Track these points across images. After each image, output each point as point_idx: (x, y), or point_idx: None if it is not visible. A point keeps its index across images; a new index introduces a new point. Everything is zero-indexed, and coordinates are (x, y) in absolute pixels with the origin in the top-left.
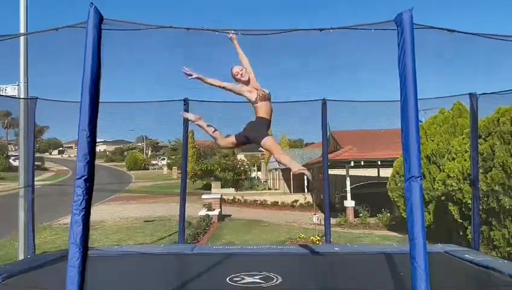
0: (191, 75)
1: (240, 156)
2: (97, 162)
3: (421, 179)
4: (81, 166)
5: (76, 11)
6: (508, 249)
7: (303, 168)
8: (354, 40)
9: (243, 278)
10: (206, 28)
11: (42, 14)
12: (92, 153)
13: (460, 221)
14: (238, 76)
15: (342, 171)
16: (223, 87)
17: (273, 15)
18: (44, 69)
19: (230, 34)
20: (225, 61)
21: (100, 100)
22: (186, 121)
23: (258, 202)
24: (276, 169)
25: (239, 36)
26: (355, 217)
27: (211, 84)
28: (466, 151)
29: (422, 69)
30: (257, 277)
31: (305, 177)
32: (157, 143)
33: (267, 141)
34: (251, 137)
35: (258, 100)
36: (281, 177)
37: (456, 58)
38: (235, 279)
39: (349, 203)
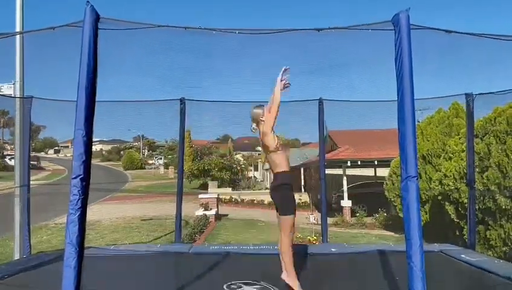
0: (286, 82)
1: (237, 156)
2: (93, 161)
3: (417, 178)
4: (77, 165)
5: (73, 9)
6: (504, 248)
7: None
8: (352, 40)
9: (240, 286)
10: (204, 27)
11: (39, 12)
12: (88, 152)
13: (457, 221)
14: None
15: (338, 171)
16: (275, 102)
17: (272, 14)
18: (40, 68)
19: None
20: (223, 60)
21: (96, 99)
22: (183, 121)
23: (255, 201)
24: None
25: (236, 35)
26: (352, 217)
27: (276, 91)
28: (463, 151)
29: (419, 69)
30: (253, 283)
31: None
32: (154, 142)
33: (285, 221)
34: (279, 207)
35: (279, 147)
36: None
37: (453, 59)
38: (231, 284)
39: (346, 202)
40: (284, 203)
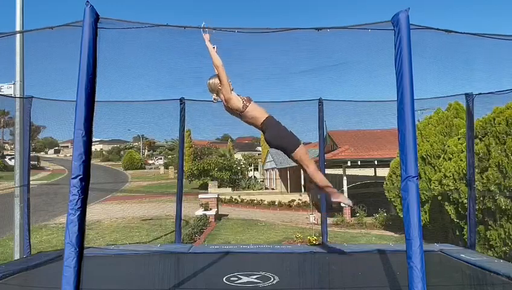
0: (207, 38)
1: (237, 156)
2: (93, 161)
3: (417, 178)
4: (76, 165)
5: (73, 9)
6: (504, 248)
7: (346, 199)
8: (351, 40)
9: (239, 278)
10: (202, 27)
11: (39, 12)
12: (87, 152)
13: (457, 221)
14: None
15: (338, 171)
16: (216, 66)
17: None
18: (40, 68)
19: (205, 32)
20: (223, 59)
21: (96, 99)
22: (183, 121)
23: (255, 201)
24: (273, 169)
25: (235, 34)
26: (352, 217)
27: (211, 56)
28: (462, 152)
29: (419, 69)
30: (254, 277)
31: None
32: (154, 143)
33: (299, 151)
34: (285, 146)
35: (247, 103)
36: (278, 177)
37: (453, 59)
38: (231, 279)
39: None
40: (286, 139)
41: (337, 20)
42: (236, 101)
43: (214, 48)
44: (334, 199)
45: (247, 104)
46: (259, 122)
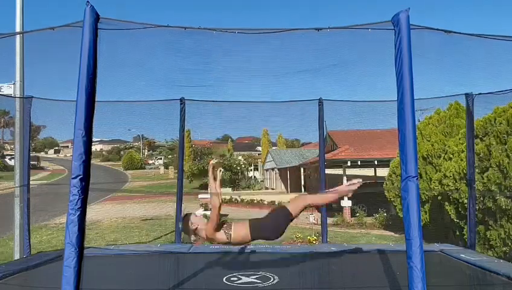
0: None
1: (239, 158)
2: (93, 161)
3: (417, 178)
4: (76, 165)
5: (73, 9)
6: (504, 248)
7: (352, 183)
8: (351, 40)
9: (239, 278)
10: (203, 27)
11: (39, 12)
12: (87, 152)
13: (457, 221)
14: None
15: (338, 171)
16: (214, 206)
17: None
18: (40, 68)
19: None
20: (223, 60)
21: (96, 99)
22: (183, 121)
23: (255, 201)
24: (272, 169)
25: (235, 35)
26: (352, 217)
27: (212, 197)
28: (462, 151)
29: (419, 69)
30: (254, 277)
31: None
32: (154, 143)
33: (293, 210)
34: (281, 221)
35: (229, 231)
36: (278, 177)
37: (453, 59)
38: (231, 279)
39: (346, 202)
40: (278, 216)
41: (337, 20)
42: (221, 236)
43: (221, 172)
44: (344, 194)
45: (230, 232)
46: (248, 238)
